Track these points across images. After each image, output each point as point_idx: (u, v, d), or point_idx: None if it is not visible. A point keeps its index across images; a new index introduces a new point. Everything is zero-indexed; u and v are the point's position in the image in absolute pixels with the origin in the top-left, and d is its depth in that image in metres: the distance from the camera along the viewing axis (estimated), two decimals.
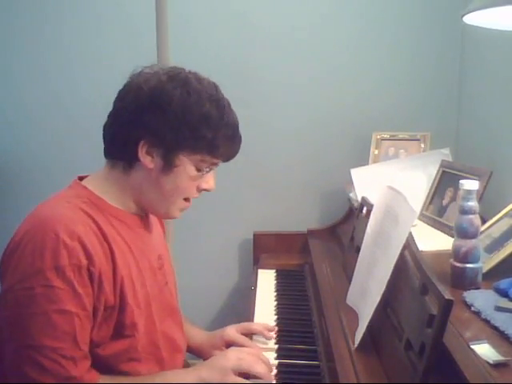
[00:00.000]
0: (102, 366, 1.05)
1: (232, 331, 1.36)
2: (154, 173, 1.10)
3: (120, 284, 1.06)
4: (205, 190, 1.17)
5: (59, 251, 0.97)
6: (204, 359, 1.30)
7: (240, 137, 1.15)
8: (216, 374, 1.14)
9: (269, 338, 1.38)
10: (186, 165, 1.10)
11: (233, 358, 1.18)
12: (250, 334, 1.38)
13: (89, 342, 1.02)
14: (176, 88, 1.07)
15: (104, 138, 1.14)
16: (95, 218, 1.06)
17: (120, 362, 1.08)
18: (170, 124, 1.06)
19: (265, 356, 1.25)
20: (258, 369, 1.17)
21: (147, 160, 1.08)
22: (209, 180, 1.16)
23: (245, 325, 1.41)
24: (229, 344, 1.34)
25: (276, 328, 1.42)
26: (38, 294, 0.96)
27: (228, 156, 1.15)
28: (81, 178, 1.16)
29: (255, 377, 1.17)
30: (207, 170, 1.14)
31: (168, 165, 1.09)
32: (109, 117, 1.13)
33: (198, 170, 1.12)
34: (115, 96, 1.13)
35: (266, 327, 1.41)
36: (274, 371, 1.23)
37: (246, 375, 1.17)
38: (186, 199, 1.16)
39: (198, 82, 1.09)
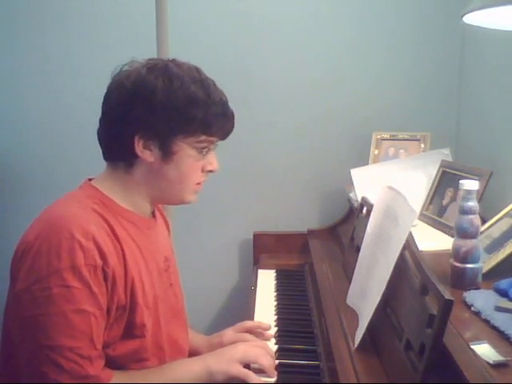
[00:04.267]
0: (113, 366, 1.06)
1: (230, 333, 1.38)
2: (156, 165, 1.11)
3: (131, 284, 1.06)
4: (210, 171, 1.17)
5: (75, 251, 0.98)
6: None
7: (232, 112, 1.15)
8: (222, 363, 1.15)
9: (266, 335, 1.39)
10: (185, 149, 1.11)
11: (241, 349, 1.20)
12: (246, 332, 1.39)
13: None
14: (157, 77, 1.08)
15: (100, 142, 1.14)
16: (107, 218, 1.06)
17: (130, 362, 1.09)
18: (159, 113, 1.07)
19: (271, 349, 1.27)
20: (264, 361, 1.19)
21: (146, 154, 1.09)
22: (212, 161, 1.17)
23: (239, 324, 1.42)
24: None
25: (270, 326, 1.42)
26: (55, 294, 0.97)
27: (223, 133, 1.16)
28: (89, 180, 1.16)
29: (259, 370, 1.19)
30: (206, 150, 1.14)
31: (167, 154, 1.10)
32: (100, 122, 1.14)
33: (198, 151, 1.12)
34: None
35: (260, 324, 1.42)
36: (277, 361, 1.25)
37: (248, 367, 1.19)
38: (197, 183, 1.17)
39: (178, 68, 1.10)
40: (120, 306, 1.05)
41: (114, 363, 1.06)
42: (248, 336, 1.36)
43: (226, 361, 1.16)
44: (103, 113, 1.13)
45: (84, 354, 0.98)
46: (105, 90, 1.14)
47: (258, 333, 1.40)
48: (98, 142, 1.15)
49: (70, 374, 0.97)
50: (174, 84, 1.07)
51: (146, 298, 1.10)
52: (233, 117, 1.16)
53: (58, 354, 0.96)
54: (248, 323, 1.42)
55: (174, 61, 1.13)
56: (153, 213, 1.23)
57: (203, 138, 1.12)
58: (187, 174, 1.13)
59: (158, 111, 1.07)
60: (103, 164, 1.17)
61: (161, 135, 1.08)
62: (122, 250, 1.06)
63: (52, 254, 0.97)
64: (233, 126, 1.16)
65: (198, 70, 1.13)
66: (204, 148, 1.13)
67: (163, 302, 1.17)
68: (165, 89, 1.07)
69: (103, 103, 1.13)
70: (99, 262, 1.00)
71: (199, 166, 1.15)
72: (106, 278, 1.01)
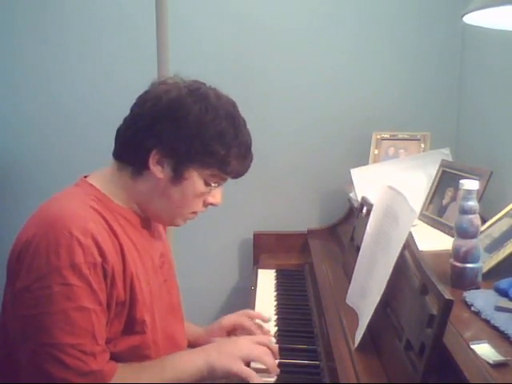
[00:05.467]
0: (115, 361, 1.06)
1: (229, 316, 1.39)
2: (163, 183, 1.11)
3: (130, 280, 1.07)
4: (211, 204, 1.18)
5: (74, 249, 0.98)
6: None
7: (252, 156, 1.17)
8: (224, 360, 1.15)
9: (264, 329, 1.39)
10: (195, 178, 1.11)
11: (244, 346, 1.19)
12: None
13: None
14: (195, 102, 1.08)
15: (116, 139, 1.14)
16: (104, 215, 1.07)
17: (132, 358, 1.09)
18: (184, 137, 1.08)
19: (274, 345, 1.27)
20: (267, 361, 1.19)
21: (157, 170, 1.09)
22: (216, 195, 1.18)
23: (241, 311, 1.42)
24: (228, 330, 1.37)
25: (270, 318, 1.43)
26: (55, 293, 0.97)
27: (238, 173, 1.17)
28: (85, 177, 1.16)
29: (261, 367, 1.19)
30: (215, 185, 1.15)
31: (177, 177, 1.10)
32: (125, 121, 1.14)
33: (207, 184, 1.13)
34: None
35: (259, 314, 1.42)
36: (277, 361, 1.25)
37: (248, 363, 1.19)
38: (193, 212, 1.17)
39: (216, 99, 1.11)
40: (119, 302, 1.05)
41: (115, 359, 1.07)
42: (247, 321, 1.36)
43: (228, 357, 1.15)
44: (131, 115, 1.13)
45: (87, 350, 0.99)
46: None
47: (257, 324, 1.39)
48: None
49: (74, 371, 0.98)
50: (208, 114, 1.08)
51: (142, 295, 1.11)
52: (251, 160, 1.17)
53: (60, 352, 0.97)
54: (249, 311, 1.43)
55: (214, 90, 1.13)
56: None
57: (217, 173, 1.13)
58: (188, 202, 1.14)
59: (184, 136, 1.07)
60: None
61: (178, 158, 1.09)
62: (121, 246, 1.07)
63: (51, 253, 0.98)
64: (248, 169, 1.18)
65: (234, 105, 1.14)
66: (214, 183, 1.14)
67: (158, 299, 1.17)
68: (198, 117, 1.07)
69: (135, 105, 1.13)
70: (98, 259, 1.00)
71: (202, 198, 1.16)
72: (105, 275, 1.02)
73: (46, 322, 0.97)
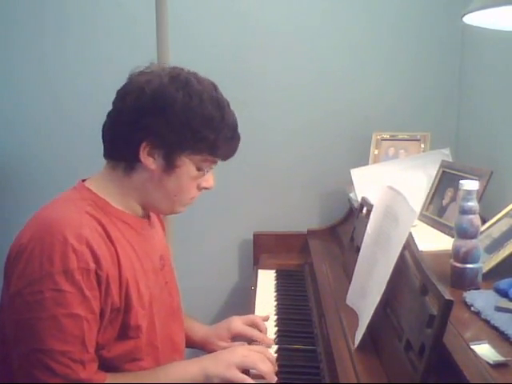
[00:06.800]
0: (107, 367, 1.06)
1: (238, 323, 1.38)
2: (156, 173, 1.11)
3: (125, 286, 1.06)
4: (205, 188, 1.18)
5: (68, 255, 0.97)
6: (209, 352, 1.31)
7: (239, 136, 1.16)
8: (219, 367, 1.15)
9: (267, 345, 1.37)
10: (188, 165, 1.11)
11: (239, 353, 1.19)
12: (254, 326, 1.40)
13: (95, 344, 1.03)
14: (178, 90, 1.07)
15: (103, 138, 1.14)
16: (101, 221, 1.06)
17: (124, 363, 1.09)
18: (172, 126, 1.07)
19: (271, 353, 1.26)
20: (262, 367, 1.18)
21: (149, 161, 1.09)
22: (208, 179, 1.17)
23: (250, 317, 1.42)
24: (235, 336, 1.36)
25: (273, 342, 1.39)
26: (47, 298, 0.96)
27: (227, 155, 1.17)
28: (83, 181, 1.16)
29: (259, 376, 1.18)
30: (207, 169, 1.15)
31: (170, 165, 1.10)
32: (108, 117, 1.13)
33: (199, 169, 1.13)
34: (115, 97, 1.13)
35: (263, 337, 1.39)
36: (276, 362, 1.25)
37: (248, 372, 1.18)
38: (191, 198, 1.17)
39: (198, 84, 1.10)
40: (114, 309, 1.05)
41: (108, 364, 1.06)
42: (255, 332, 1.36)
43: (223, 364, 1.15)
44: (115, 110, 1.12)
45: (76, 358, 0.98)
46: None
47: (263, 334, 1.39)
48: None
49: (62, 378, 0.97)
50: (192, 100, 1.07)
51: (141, 299, 1.10)
52: (239, 141, 1.16)
53: (49, 358, 0.96)
54: (257, 319, 1.42)
55: (195, 75, 1.13)
56: (147, 213, 1.23)
57: (208, 157, 1.13)
58: (184, 189, 1.14)
59: (172, 124, 1.07)
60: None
61: (168, 147, 1.08)
62: (116, 253, 1.06)
63: (44, 258, 0.97)
64: (236, 150, 1.17)
65: (215, 87, 1.13)
66: (206, 167, 1.14)
67: (158, 302, 1.17)
68: (183, 104, 1.07)
69: (116, 100, 1.12)
70: (92, 265, 0.99)
71: (196, 183, 1.15)
72: (99, 282, 1.01)
73: (36, 328, 0.97)
